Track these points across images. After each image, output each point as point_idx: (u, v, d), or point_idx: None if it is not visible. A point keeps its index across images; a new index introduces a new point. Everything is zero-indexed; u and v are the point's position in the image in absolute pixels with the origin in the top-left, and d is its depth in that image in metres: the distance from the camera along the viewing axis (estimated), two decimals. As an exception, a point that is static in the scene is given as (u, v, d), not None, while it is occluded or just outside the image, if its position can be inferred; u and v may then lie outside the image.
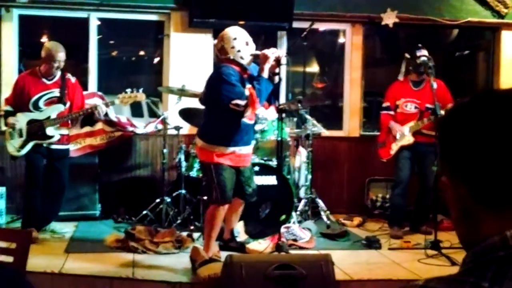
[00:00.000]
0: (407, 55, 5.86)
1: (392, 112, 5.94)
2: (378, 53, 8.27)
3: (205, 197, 5.54)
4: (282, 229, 5.20)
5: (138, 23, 7.00)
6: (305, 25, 6.45)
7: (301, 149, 6.33)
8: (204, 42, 6.70)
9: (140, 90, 5.46)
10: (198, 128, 4.95)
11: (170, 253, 4.95)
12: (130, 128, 6.42)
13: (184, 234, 5.31)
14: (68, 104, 5.45)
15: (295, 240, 5.25)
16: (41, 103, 5.37)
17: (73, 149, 6.07)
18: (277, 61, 4.50)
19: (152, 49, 7.55)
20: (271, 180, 5.61)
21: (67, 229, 5.67)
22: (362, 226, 6.28)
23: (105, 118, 5.98)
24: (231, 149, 4.56)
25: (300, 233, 5.34)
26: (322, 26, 7.27)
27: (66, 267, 4.51)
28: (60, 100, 5.42)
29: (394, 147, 5.86)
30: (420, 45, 5.78)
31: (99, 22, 6.79)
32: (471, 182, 1.01)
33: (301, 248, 5.17)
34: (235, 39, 4.50)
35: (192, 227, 5.59)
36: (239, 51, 4.50)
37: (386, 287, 4.30)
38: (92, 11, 6.66)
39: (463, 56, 8.09)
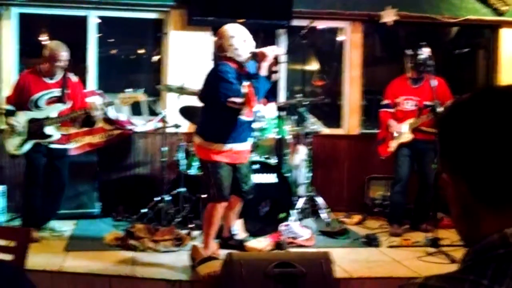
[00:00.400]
0: (408, 52, 5.85)
1: (391, 110, 5.95)
2: (378, 51, 8.26)
3: (204, 195, 5.54)
4: (282, 227, 5.20)
5: (137, 21, 7.00)
6: (304, 23, 6.45)
7: (300, 147, 6.32)
8: (203, 40, 6.69)
9: (141, 90, 5.45)
10: (196, 126, 4.95)
11: (169, 251, 4.95)
12: (129, 126, 6.42)
13: (184, 232, 5.32)
14: (68, 103, 5.44)
15: (294, 238, 5.25)
16: (42, 102, 5.36)
17: (72, 147, 6.07)
18: (276, 59, 4.51)
19: (151, 47, 7.54)
20: (271, 178, 5.61)
21: (66, 227, 5.67)
22: (362, 224, 6.29)
23: (104, 117, 5.98)
24: (229, 146, 4.57)
25: (300, 231, 5.34)
26: (321, 24, 7.26)
27: (65, 265, 4.51)
28: (60, 99, 5.41)
29: (393, 145, 5.86)
30: (424, 43, 5.76)
31: (98, 20, 6.78)
32: (471, 179, 1.01)
33: (300, 246, 5.17)
34: (233, 37, 4.51)
35: (191, 225, 5.59)
36: (236, 49, 4.51)
37: (386, 285, 4.31)
38: (91, 9, 6.66)
39: (463, 54, 8.08)
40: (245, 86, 4.43)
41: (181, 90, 5.85)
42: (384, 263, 4.82)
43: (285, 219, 5.54)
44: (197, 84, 5.03)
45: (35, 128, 5.33)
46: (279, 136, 4.88)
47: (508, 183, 0.97)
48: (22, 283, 1.79)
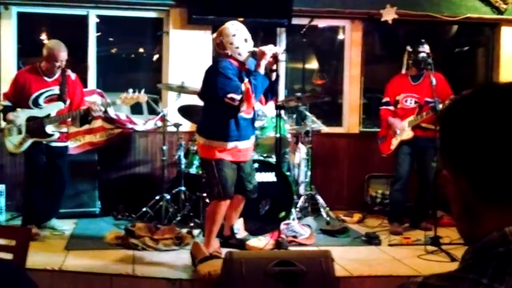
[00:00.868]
0: (409, 48, 5.85)
1: (391, 107, 5.95)
2: (378, 50, 8.26)
3: (204, 194, 5.55)
4: (282, 226, 5.20)
5: (137, 20, 7.00)
6: (304, 21, 6.43)
7: (300, 145, 6.33)
8: (203, 39, 6.69)
9: (142, 91, 5.45)
10: (197, 125, 4.95)
11: (170, 250, 4.95)
12: (130, 125, 6.42)
13: (184, 231, 5.31)
14: (68, 101, 5.44)
15: (295, 236, 5.25)
16: (41, 100, 5.36)
17: (73, 146, 6.07)
18: (275, 58, 4.51)
19: (151, 46, 7.54)
20: (271, 177, 5.61)
21: (66, 226, 5.66)
22: (362, 222, 6.28)
23: (104, 115, 5.98)
24: (232, 144, 4.57)
25: (300, 229, 5.34)
26: (321, 23, 7.26)
27: (66, 264, 4.51)
28: (60, 97, 5.41)
29: (394, 142, 5.86)
30: (423, 40, 5.77)
31: (98, 20, 6.78)
32: (472, 176, 1.00)
33: (301, 244, 5.17)
34: (234, 35, 4.51)
35: (192, 224, 5.59)
36: (237, 47, 4.51)
37: (386, 283, 4.30)
38: (91, 8, 6.66)
39: (463, 52, 8.07)
40: (244, 84, 4.43)
41: (181, 89, 5.85)
42: (384, 261, 4.82)
43: (285, 217, 5.54)
44: (197, 83, 5.03)
45: (35, 127, 5.32)
46: (279, 135, 4.88)
47: (509, 180, 0.97)
48: (23, 281, 1.79)
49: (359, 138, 7.13)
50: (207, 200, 5.44)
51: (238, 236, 5.06)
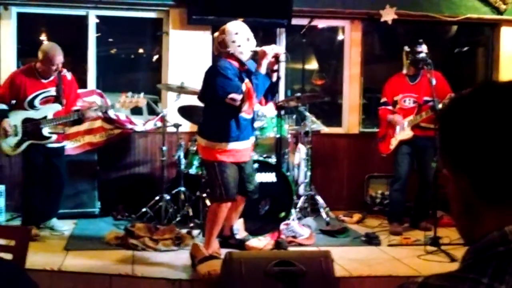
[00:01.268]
0: (406, 48, 5.85)
1: (390, 107, 5.94)
2: (377, 50, 8.26)
3: (204, 195, 5.55)
4: (282, 226, 5.20)
5: (136, 20, 6.99)
6: (304, 22, 6.45)
7: (300, 146, 6.33)
8: (203, 40, 6.69)
9: (141, 94, 5.44)
10: (198, 127, 4.94)
11: (169, 250, 4.95)
12: (129, 126, 6.41)
13: (184, 231, 5.31)
14: (64, 102, 5.42)
15: (294, 237, 5.25)
16: (36, 102, 5.33)
17: (72, 146, 6.07)
18: (276, 58, 4.50)
19: (151, 47, 7.54)
20: (271, 177, 5.61)
21: (66, 226, 5.66)
22: (362, 222, 6.28)
23: (104, 116, 5.98)
24: (232, 145, 4.56)
25: (300, 229, 5.34)
26: (321, 23, 7.26)
27: (65, 264, 4.51)
28: (57, 99, 5.38)
29: (394, 142, 5.85)
30: (421, 40, 5.77)
31: (97, 20, 6.78)
32: (473, 174, 1.00)
33: (300, 244, 5.17)
34: (236, 33, 4.50)
35: (191, 224, 5.59)
36: (239, 46, 4.50)
37: (386, 283, 4.30)
38: (90, 9, 6.65)
39: (462, 52, 8.08)
40: (244, 84, 4.43)
41: (181, 90, 5.85)
42: (384, 261, 4.82)
43: (285, 218, 5.54)
44: (197, 83, 5.03)
45: (31, 128, 5.30)
46: (279, 135, 4.89)
47: (509, 180, 0.97)
48: (23, 281, 1.79)
49: (358, 138, 7.13)
50: (207, 201, 5.45)
51: (237, 236, 5.06)
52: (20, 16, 6.59)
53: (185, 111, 5.97)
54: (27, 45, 6.83)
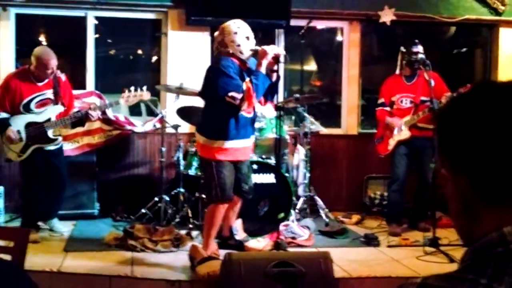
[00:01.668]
0: (402, 49, 5.87)
1: (387, 108, 5.95)
2: (376, 51, 8.26)
3: (203, 195, 5.54)
4: (281, 227, 5.20)
5: (135, 21, 7.00)
6: (302, 23, 6.45)
7: (299, 147, 6.33)
8: (201, 40, 6.69)
9: (144, 88, 5.41)
10: (197, 124, 4.93)
11: (168, 251, 4.95)
12: (128, 127, 6.41)
13: (183, 232, 5.31)
14: (60, 104, 5.42)
15: (294, 238, 5.25)
16: (32, 105, 5.29)
17: (71, 148, 6.07)
18: (276, 59, 4.50)
19: (150, 48, 7.54)
20: (270, 178, 5.61)
21: (65, 227, 5.66)
22: (361, 223, 6.28)
23: (103, 117, 5.98)
24: (230, 143, 4.55)
25: (299, 230, 5.34)
26: (319, 24, 7.26)
27: (64, 265, 4.51)
28: (54, 101, 5.37)
29: (392, 143, 5.86)
30: (416, 40, 5.79)
31: (96, 21, 6.78)
32: (471, 173, 1.00)
33: (300, 245, 5.17)
34: (236, 33, 4.50)
35: (190, 225, 5.59)
36: (239, 45, 4.50)
37: (385, 284, 4.31)
38: (89, 10, 6.65)
39: (461, 53, 8.09)
40: (245, 83, 4.42)
41: (180, 90, 5.85)
42: (383, 262, 4.82)
43: (284, 219, 5.54)
44: (196, 84, 5.03)
45: (35, 132, 5.28)
46: (278, 136, 4.89)
47: (508, 179, 0.97)
48: (23, 281, 1.79)
49: (357, 139, 7.13)
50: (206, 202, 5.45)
51: (237, 237, 5.06)
52: (18, 17, 6.59)
53: (184, 112, 5.97)
54: (25, 46, 6.82)
